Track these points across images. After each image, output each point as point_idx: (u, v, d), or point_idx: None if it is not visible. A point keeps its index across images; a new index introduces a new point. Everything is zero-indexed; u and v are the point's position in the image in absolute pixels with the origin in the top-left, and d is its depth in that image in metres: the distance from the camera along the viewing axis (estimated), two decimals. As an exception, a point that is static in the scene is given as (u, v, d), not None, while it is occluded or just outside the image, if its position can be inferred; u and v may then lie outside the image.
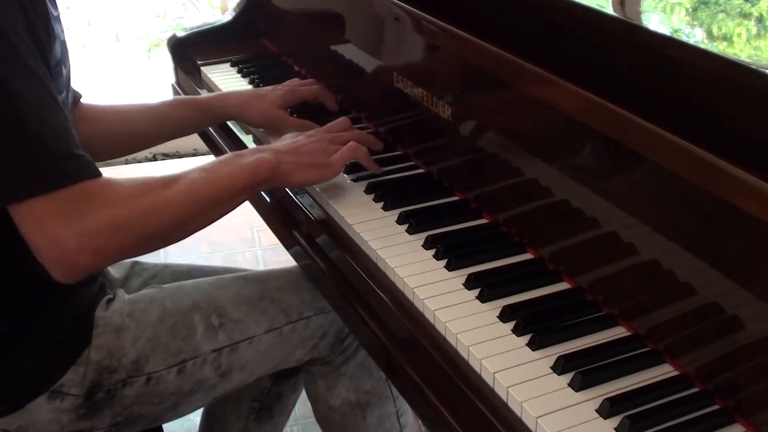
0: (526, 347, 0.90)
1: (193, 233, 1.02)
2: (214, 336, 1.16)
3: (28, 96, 0.90)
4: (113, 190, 0.94)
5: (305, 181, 1.15)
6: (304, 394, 1.45)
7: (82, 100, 1.31)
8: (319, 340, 1.25)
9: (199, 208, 1.00)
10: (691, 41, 1.00)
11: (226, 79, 1.63)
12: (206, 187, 1.00)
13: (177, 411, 1.19)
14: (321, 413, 1.33)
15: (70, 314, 1.08)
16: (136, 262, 1.27)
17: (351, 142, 1.17)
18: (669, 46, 0.94)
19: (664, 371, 0.87)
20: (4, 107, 0.88)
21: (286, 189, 1.25)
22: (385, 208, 1.16)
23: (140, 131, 1.36)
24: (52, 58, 1.00)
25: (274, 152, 1.09)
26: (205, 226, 1.03)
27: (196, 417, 1.72)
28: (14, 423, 1.06)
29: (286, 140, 1.16)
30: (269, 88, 1.41)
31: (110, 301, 1.14)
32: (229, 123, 1.50)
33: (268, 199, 1.33)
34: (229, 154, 1.09)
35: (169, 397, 1.15)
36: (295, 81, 1.45)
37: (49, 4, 1.01)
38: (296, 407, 1.57)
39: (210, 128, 1.53)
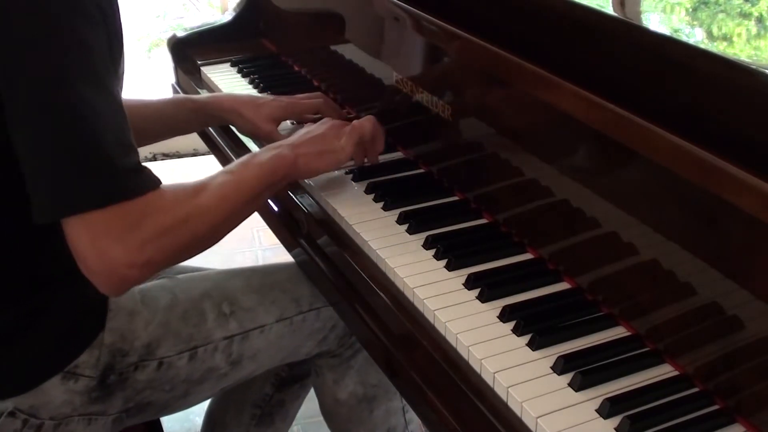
0: (526, 347, 0.90)
1: (225, 235, 1.05)
2: (225, 323, 1.17)
3: (106, 113, 0.92)
4: (159, 199, 0.96)
5: (322, 169, 1.17)
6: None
7: None
8: (329, 332, 1.25)
9: (230, 210, 1.02)
10: (691, 41, 1.00)
11: (226, 79, 1.63)
12: (233, 191, 1.03)
13: (187, 399, 1.19)
14: (327, 407, 1.33)
15: (86, 299, 1.09)
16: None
17: (354, 121, 1.19)
18: (669, 46, 0.94)
19: (664, 371, 0.87)
20: (84, 122, 0.90)
21: (286, 188, 1.26)
22: (385, 208, 1.16)
23: (138, 127, 1.35)
24: (119, 73, 1.02)
25: (290, 147, 1.12)
26: (235, 227, 1.06)
27: (197, 417, 1.72)
28: (27, 402, 1.06)
29: (302, 131, 1.18)
30: (270, 97, 1.38)
31: None
32: (229, 123, 1.51)
33: (268, 199, 1.33)
34: (247, 156, 1.11)
35: (180, 384, 1.15)
36: (301, 95, 1.40)
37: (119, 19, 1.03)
38: (297, 407, 1.57)
39: (210, 128, 1.53)
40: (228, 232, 1.05)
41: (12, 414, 1.05)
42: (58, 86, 0.89)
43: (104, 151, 0.91)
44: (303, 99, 1.38)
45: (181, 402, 1.19)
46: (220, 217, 1.01)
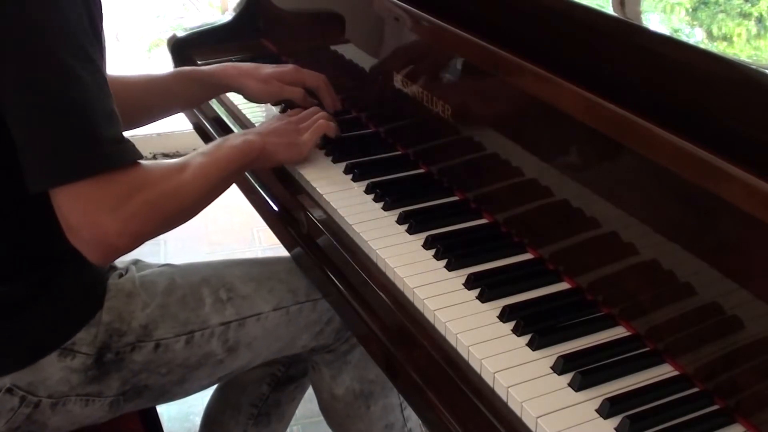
0: (526, 347, 0.90)
1: (204, 208, 1.10)
2: (222, 309, 1.19)
3: (91, 84, 0.95)
4: (147, 173, 1.00)
5: (286, 159, 1.25)
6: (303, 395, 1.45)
7: None
8: (325, 325, 1.26)
9: (209, 186, 1.08)
10: (691, 41, 1.00)
11: (226, 79, 1.62)
12: (212, 170, 1.09)
13: (183, 387, 1.20)
14: (325, 403, 1.34)
15: (86, 278, 1.12)
16: (138, 260, 1.28)
17: (318, 122, 1.28)
18: (669, 46, 0.94)
19: (664, 371, 0.87)
20: (70, 93, 0.93)
21: (286, 188, 1.26)
22: (385, 208, 1.16)
23: (146, 103, 1.37)
24: (102, 44, 1.04)
25: (258, 134, 1.20)
26: (212, 201, 1.11)
27: (196, 417, 1.72)
28: (25, 379, 1.07)
29: (264, 125, 1.26)
30: (273, 65, 1.43)
31: (122, 275, 1.18)
32: (227, 121, 1.51)
33: (268, 199, 1.33)
34: (220, 139, 1.18)
35: (176, 368, 1.17)
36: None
37: None
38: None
39: (209, 128, 1.54)
40: (206, 206, 1.10)
41: (10, 390, 1.07)
42: (45, 58, 0.92)
43: (90, 121, 0.94)
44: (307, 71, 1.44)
45: (177, 388, 1.20)
46: (201, 192, 1.07)
